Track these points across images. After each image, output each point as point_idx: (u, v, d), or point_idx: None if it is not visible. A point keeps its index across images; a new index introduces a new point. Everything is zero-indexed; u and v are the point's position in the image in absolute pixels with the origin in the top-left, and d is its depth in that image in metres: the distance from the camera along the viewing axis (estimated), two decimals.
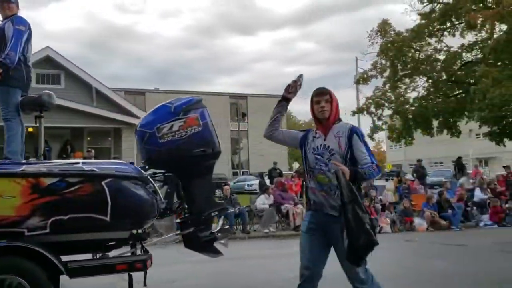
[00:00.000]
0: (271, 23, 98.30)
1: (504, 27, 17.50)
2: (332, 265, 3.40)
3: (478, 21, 17.96)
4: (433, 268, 7.09)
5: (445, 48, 20.75)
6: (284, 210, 12.22)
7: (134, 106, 21.99)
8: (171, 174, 3.57)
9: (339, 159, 3.23)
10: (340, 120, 3.43)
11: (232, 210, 11.58)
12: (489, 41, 17.97)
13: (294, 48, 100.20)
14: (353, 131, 3.31)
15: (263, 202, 12.31)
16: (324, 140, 3.34)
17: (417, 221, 12.72)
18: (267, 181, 17.66)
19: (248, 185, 27.96)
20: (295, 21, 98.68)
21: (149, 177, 3.43)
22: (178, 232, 3.82)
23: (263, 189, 13.56)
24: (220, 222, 3.91)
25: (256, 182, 22.65)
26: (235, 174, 40.71)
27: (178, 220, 3.75)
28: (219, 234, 3.65)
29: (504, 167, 18.54)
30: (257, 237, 11.29)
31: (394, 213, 13.06)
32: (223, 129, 42.43)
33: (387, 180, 38.95)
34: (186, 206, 3.63)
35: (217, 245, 3.63)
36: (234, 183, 27.95)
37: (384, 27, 20.55)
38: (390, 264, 7.60)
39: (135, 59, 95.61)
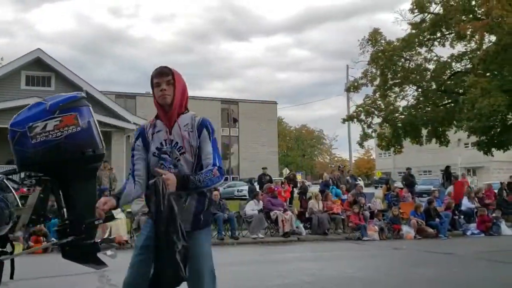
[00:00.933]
0: (265, 29, 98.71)
1: (493, 38, 17.77)
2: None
3: (468, 32, 18.21)
4: (418, 276, 7.15)
5: (435, 58, 20.99)
6: (273, 216, 12.24)
7: (125, 110, 21.93)
8: (47, 178, 3.21)
9: (189, 159, 2.71)
10: (188, 110, 2.86)
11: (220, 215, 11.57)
12: (478, 52, 18.19)
13: (287, 54, 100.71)
14: (204, 125, 2.78)
15: (252, 208, 12.31)
16: (169, 134, 2.76)
17: (405, 229, 12.79)
18: (257, 187, 17.69)
19: (238, 190, 27.95)
20: (288, 28, 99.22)
21: (5, 181, 3.09)
22: (56, 241, 3.47)
23: (253, 195, 13.56)
24: (107, 233, 3.65)
25: (246, 188, 22.64)
26: (225, 179, 40.72)
27: (56, 228, 3.40)
28: (102, 244, 3.34)
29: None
30: (246, 243, 11.29)
31: (382, 221, 13.13)
32: None
33: (376, 187, 39.21)
34: (65, 213, 3.29)
35: (102, 256, 3.29)
36: (224, 188, 27.91)
37: (375, 36, 20.73)
38: (378, 271, 7.65)
39: (127, 63, 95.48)
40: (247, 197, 17.23)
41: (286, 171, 34.74)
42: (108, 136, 20.22)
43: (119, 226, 10.26)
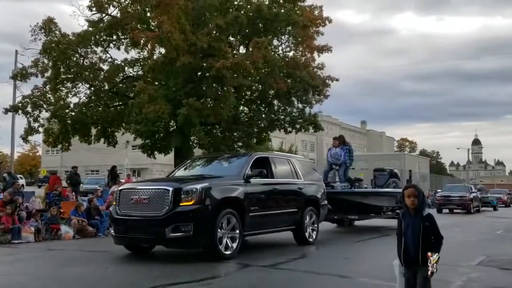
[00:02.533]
0: None
1: (162, 50, 19.29)
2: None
3: (141, 40, 19.19)
4: (70, 275, 7.04)
5: (109, 59, 21.27)
6: None
7: None
8: None
9: None
10: None
11: None
12: (149, 61, 19.41)
13: None
14: None
15: None
16: None
17: (63, 229, 12.36)
18: None
19: None
20: None
21: None
22: None
23: None
24: None
25: None
26: None
27: None
28: None
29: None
30: None
31: (40, 221, 12.33)
32: None
33: (39, 186, 36.76)
34: None
35: None
36: None
37: (49, 25, 19.46)
38: (27, 275, 7.08)
39: None
40: None
41: None
42: None
43: None
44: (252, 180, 8.86)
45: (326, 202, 11.48)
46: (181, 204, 7.66)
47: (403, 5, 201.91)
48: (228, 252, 8.05)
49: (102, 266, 7.92)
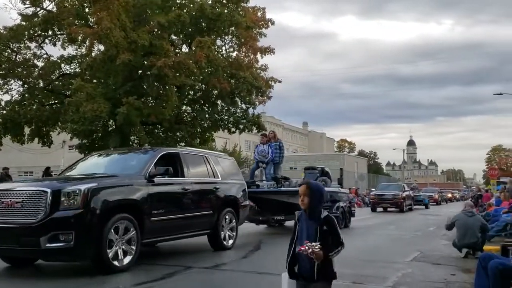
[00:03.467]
0: None
1: (102, 47, 18.73)
2: None
3: (79, 37, 18.55)
4: None
5: (44, 56, 20.45)
6: None
7: None
8: None
9: None
10: None
11: None
12: (87, 58, 18.77)
13: None
14: None
15: None
16: None
17: None
18: None
19: None
20: None
21: None
22: None
23: None
24: None
25: None
26: None
27: None
28: None
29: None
30: None
31: None
32: None
33: None
34: None
35: None
36: None
37: None
38: None
39: None
40: None
41: None
42: None
43: None
44: (156, 179, 7.75)
45: (247, 202, 10.66)
46: (60, 208, 6.43)
47: (345, 9, 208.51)
48: (120, 264, 6.92)
49: (25, 275, 7.55)
